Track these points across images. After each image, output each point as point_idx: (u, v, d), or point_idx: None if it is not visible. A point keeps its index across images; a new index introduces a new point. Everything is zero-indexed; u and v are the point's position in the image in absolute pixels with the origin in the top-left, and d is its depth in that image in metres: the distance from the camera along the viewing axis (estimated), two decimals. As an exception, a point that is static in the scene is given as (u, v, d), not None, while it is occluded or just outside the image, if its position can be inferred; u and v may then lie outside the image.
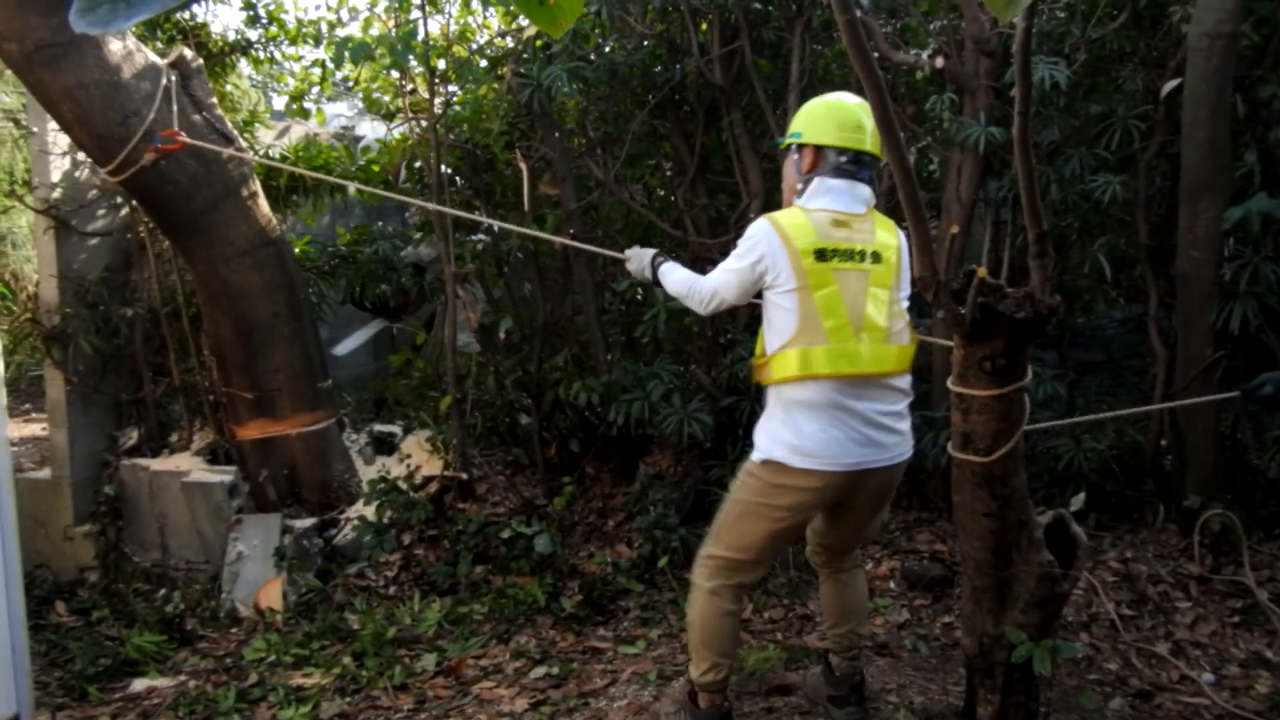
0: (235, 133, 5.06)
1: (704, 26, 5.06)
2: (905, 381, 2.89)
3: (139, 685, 4.25)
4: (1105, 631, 3.92)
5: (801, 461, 2.76)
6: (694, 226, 5.29)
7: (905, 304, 2.92)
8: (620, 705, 3.43)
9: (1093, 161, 4.44)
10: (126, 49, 4.54)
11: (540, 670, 3.92)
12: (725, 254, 3.04)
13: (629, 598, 4.59)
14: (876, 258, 2.82)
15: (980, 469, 2.70)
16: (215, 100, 4.98)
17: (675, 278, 3.16)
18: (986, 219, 4.84)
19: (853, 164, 2.86)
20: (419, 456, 5.59)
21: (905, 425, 2.90)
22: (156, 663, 4.53)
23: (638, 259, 3.35)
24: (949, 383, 2.70)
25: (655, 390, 4.68)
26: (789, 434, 2.79)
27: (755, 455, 2.87)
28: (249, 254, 5.05)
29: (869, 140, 2.88)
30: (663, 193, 5.70)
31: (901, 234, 2.93)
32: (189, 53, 4.84)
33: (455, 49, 4.89)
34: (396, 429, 6.01)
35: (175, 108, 4.60)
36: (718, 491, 4.47)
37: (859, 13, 4.42)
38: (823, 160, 2.89)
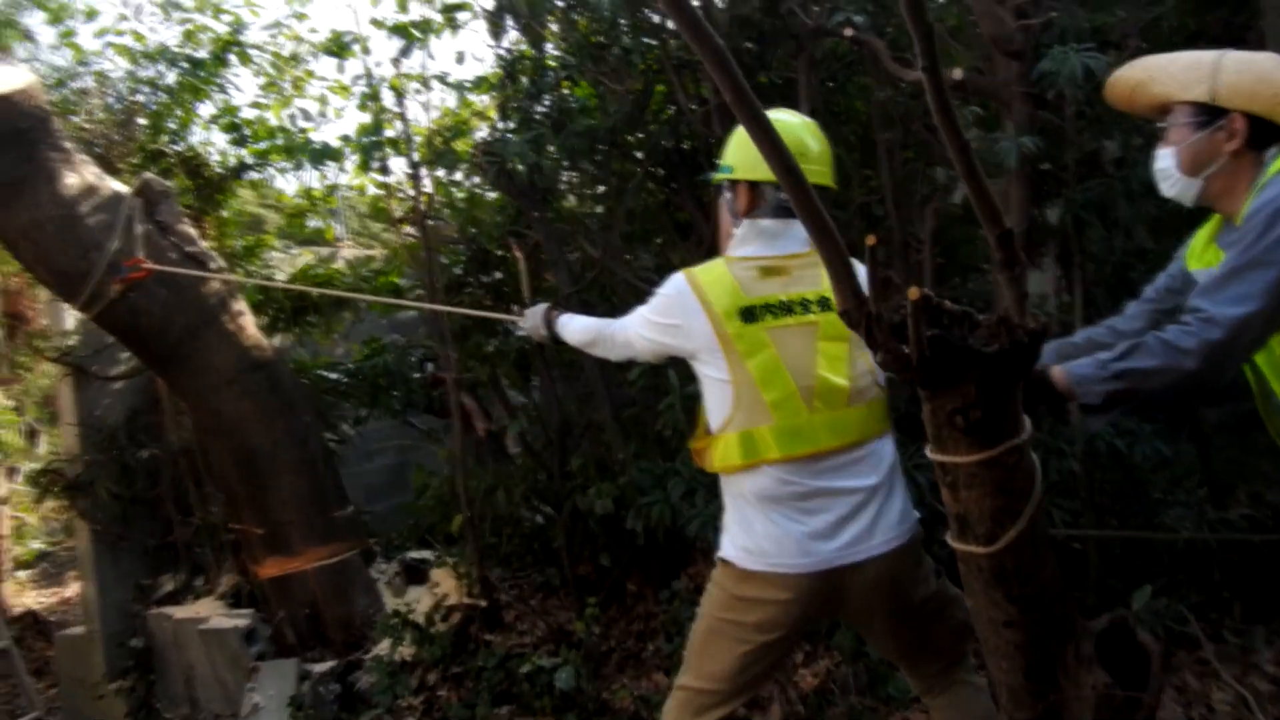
0: (210, 254, 4.82)
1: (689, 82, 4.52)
2: (884, 446, 2.29)
3: None
4: (1264, 756, 3.02)
5: (755, 564, 2.20)
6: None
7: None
8: None
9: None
10: (84, 181, 4.38)
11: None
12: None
13: (663, 738, 3.88)
14: (825, 304, 2.25)
15: (986, 562, 1.97)
16: (186, 223, 4.76)
17: (576, 326, 2.73)
18: (1049, 252, 4.08)
19: None
20: (447, 585, 5.06)
21: (895, 502, 2.28)
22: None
23: (532, 317, 2.93)
24: (927, 450, 2.01)
25: (675, 489, 4.06)
26: (740, 532, 2.24)
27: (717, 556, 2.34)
28: (236, 381, 4.73)
29: (815, 168, 2.30)
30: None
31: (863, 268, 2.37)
32: (153, 177, 4.66)
33: (434, 139, 4.55)
34: (429, 555, 5.54)
35: (139, 235, 4.39)
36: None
37: (854, 31, 3.85)
38: (760, 199, 2.33)
